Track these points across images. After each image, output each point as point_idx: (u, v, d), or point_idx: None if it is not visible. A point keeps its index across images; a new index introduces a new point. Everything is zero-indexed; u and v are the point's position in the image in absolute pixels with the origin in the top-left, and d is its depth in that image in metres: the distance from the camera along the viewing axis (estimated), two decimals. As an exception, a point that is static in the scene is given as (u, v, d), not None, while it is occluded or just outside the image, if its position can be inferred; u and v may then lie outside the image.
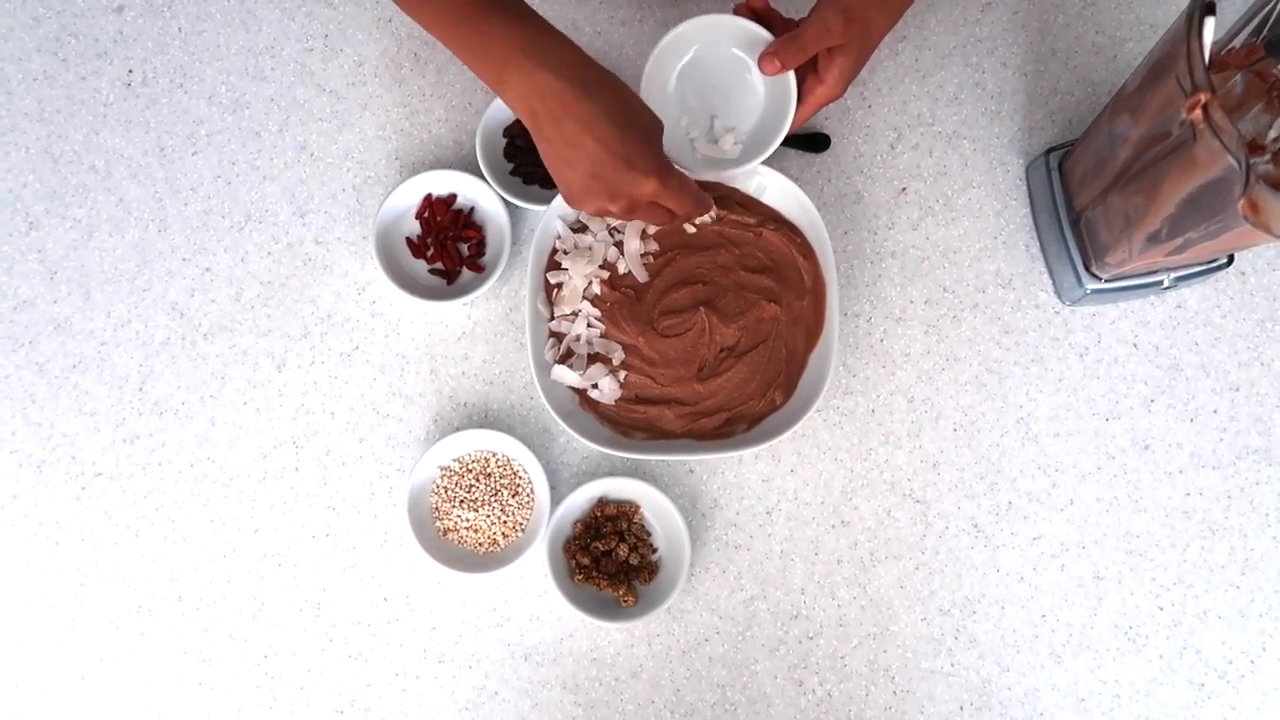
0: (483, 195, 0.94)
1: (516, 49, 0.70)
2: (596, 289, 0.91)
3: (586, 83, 0.70)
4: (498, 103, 0.94)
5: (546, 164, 0.73)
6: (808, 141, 0.98)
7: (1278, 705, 0.90)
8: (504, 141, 0.96)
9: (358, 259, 0.96)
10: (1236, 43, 0.76)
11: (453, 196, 0.95)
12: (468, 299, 0.92)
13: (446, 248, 0.94)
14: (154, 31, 1.00)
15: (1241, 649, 0.90)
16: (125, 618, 0.91)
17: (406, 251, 0.95)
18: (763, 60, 0.82)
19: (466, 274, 0.95)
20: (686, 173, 0.85)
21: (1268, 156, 0.78)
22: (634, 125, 0.71)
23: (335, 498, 0.92)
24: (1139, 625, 0.91)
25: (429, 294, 0.93)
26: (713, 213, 0.92)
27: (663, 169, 0.73)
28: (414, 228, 0.95)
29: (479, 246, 0.95)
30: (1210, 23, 0.66)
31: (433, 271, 0.95)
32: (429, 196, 0.94)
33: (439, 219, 0.94)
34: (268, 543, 0.92)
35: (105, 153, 0.98)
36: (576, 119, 0.69)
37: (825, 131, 0.98)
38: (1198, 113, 0.65)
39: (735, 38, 0.85)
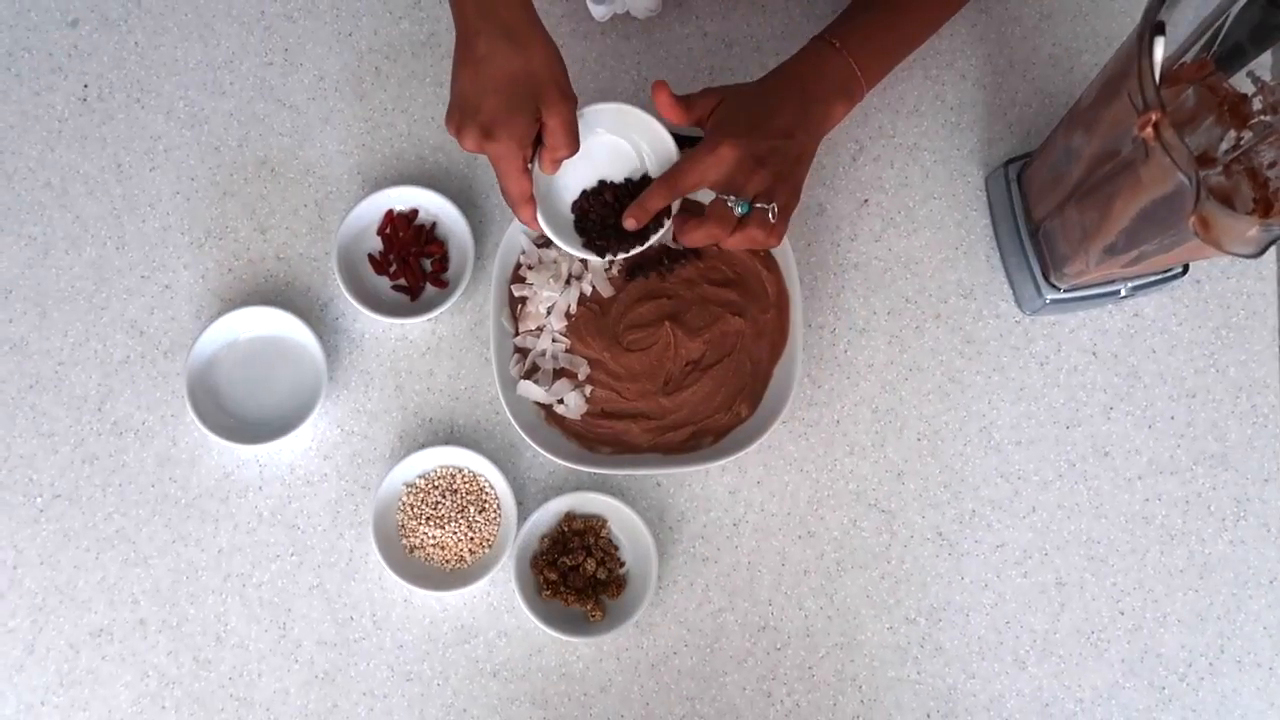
0: (445, 211, 0.93)
1: None
2: (573, 308, 0.91)
3: (533, 32, 0.74)
4: None
5: (454, 65, 0.75)
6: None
7: (1237, 707, 0.91)
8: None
9: (319, 275, 0.95)
10: (1188, 57, 0.78)
11: (414, 212, 0.94)
12: (432, 315, 0.92)
13: (409, 264, 0.93)
14: (110, 46, 0.99)
15: (1200, 651, 0.92)
16: (86, 641, 0.90)
17: (369, 268, 0.94)
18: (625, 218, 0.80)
19: (430, 290, 0.94)
20: (549, 231, 0.81)
21: (1219, 169, 0.79)
22: (544, 94, 0.75)
23: (299, 516, 0.92)
24: (1100, 630, 0.92)
25: (392, 310, 0.92)
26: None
27: (513, 141, 0.75)
28: (376, 244, 0.94)
29: (442, 262, 0.94)
30: (1160, 42, 0.67)
31: (396, 288, 0.94)
32: (391, 212, 0.94)
33: (401, 235, 0.94)
34: (231, 563, 0.91)
35: (61, 169, 0.97)
36: (508, 52, 0.73)
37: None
38: (1149, 131, 0.66)
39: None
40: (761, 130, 0.77)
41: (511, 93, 0.74)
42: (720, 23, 1.01)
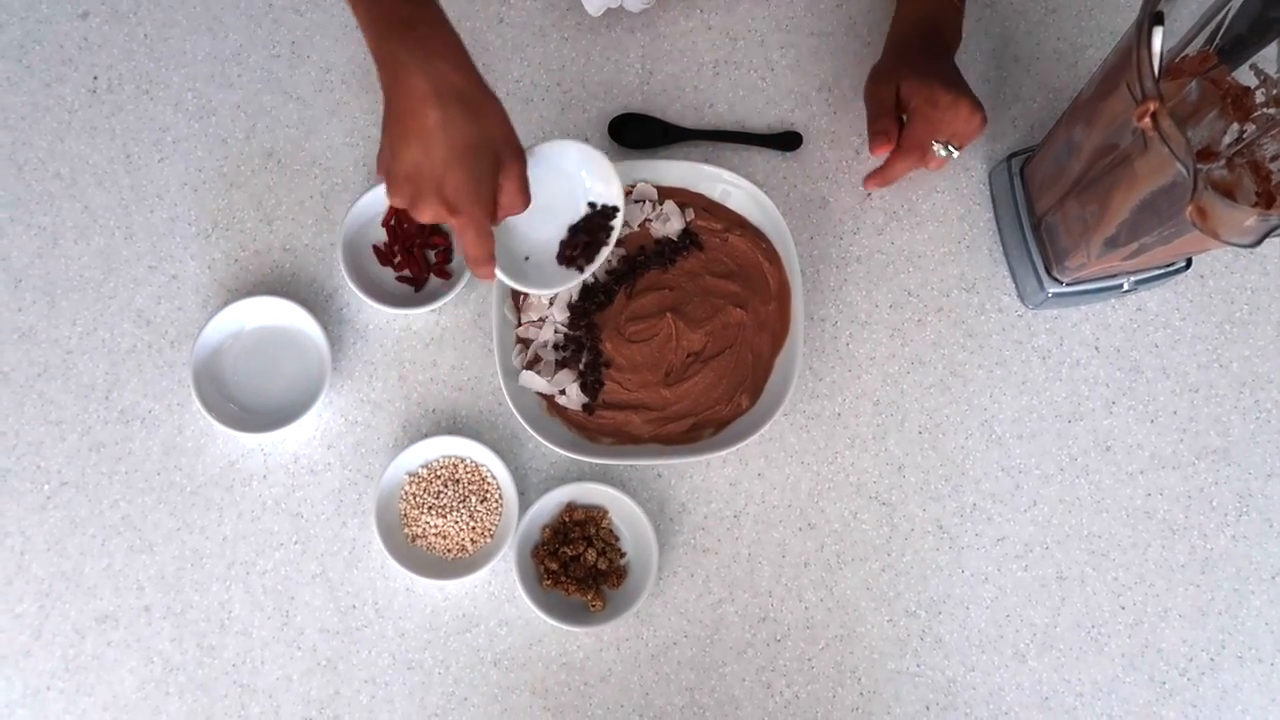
0: (449, 202, 0.94)
1: (426, 26, 0.69)
2: (574, 298, 0.91)
3: (485, 93, 0.71)
4: None
5: (394, 133, 0.70)
6: (779, 140, 0.98)
7: (1238, 702, 0.91)
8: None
9: (325, 266, 0.96)
10: (1190, 50, 0.78)
11: (420, 203, 0.95)
12: (435, 306, 0.92)
13: (413, 255, 0.94)
14: (119, 38, 1.00)
15: (1201, 646, 0.92)
16: (92, 627, 0.90)
17: (374, 259, 0.95)
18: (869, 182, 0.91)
19: (434, 281, 0.95)
20: (506, 280, 0.84)
21: (1222, 162, 0.79)
22: (501, 156, 0.72)
23: (303, 505, 0.92)
24: (1101, 624, 0.92)
25: (396, 301, 0.93)
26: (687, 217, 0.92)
27: (480, 210, 0.72)
28: (381, 235, 0.95)
29: (446, 253, 0.95)
30: (1159, 32, 0.67)
31: (400, 279, 0.95)
32: (396, 203, 0.94)
33: (406, 226, 0.94)
34: (236, 551, 0.92)
35: (70, 160, 0.98)
36: (465, 119, 0.69)
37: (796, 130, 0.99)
38: (1147, 121, 0.66)
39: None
40: (951, 82, 0.87)
41: (474, 163, 0.70)
42: (724, 16, 1.02)
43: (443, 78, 0.68)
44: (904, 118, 0.88)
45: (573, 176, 0.85)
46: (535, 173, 0.78)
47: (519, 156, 0.73)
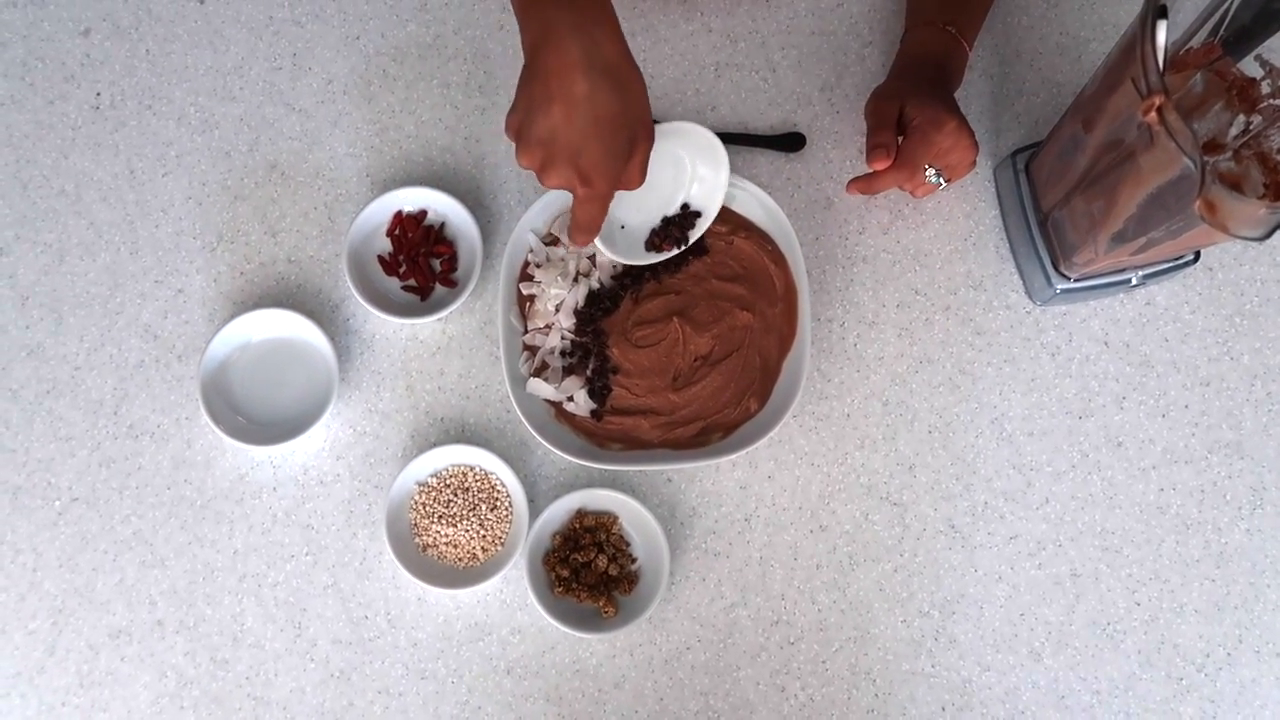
0: (453, 211, 0.94)
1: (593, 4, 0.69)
2: (580, 304, 0.91)
3: (633, 68, 0.70)
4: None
5: (535, 97, 0.69)
6: (782, 141, 0.98)
7: (1256, 696, 0.91)
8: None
9: (330, 277, 0.96)
10: (1195, 42, 0.77)
11: (423, 213, 0.95)
12: (441, 315, 0.92)
13: (419, 264, 0.94)
14: (121, 54, 1.00)
15: (1218, 642, 0.91)
16: (105, 642, 0.91)
17: (379, 269, 0.95)
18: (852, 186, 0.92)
19: (440, 290, 0.95)
20: (603, 251, 0.86)
21: (1229, 154, 0.79)
22: (636, 135, 0.72)
23: (313, 516, 0.92)
24: (1116, 621, 0.91)
25: (402, 311, 0.93)
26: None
27: (610, 184, 0.73)
28: (386, 245, 0.95)
29: (451, 262, 0.95)
30: (1163, 25, 0.66)
31: (405, 288, 0.95)
32: (400, 213, 0.95)
33: (410, 236, 0.94)
34: (247, 564, 0.92)
35: (75, 176, 0.98)
36: (612, 92, 0.68)
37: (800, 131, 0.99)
38: (1153, 115, 0.66)
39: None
40: (956, 112, 0.88)
41: (614, 138, 0.70)
42: (724, 18, 1.01)
43: (596, 47, 0.67)
44: (899, 139, 0.88)
45: (681, 162, 0.87)
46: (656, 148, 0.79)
47: (650, 138, 0.73)
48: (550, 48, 0.67)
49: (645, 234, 0.89)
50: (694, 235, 0.89)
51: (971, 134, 0.86)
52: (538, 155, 0.70)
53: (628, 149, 0.71)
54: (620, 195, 0.78)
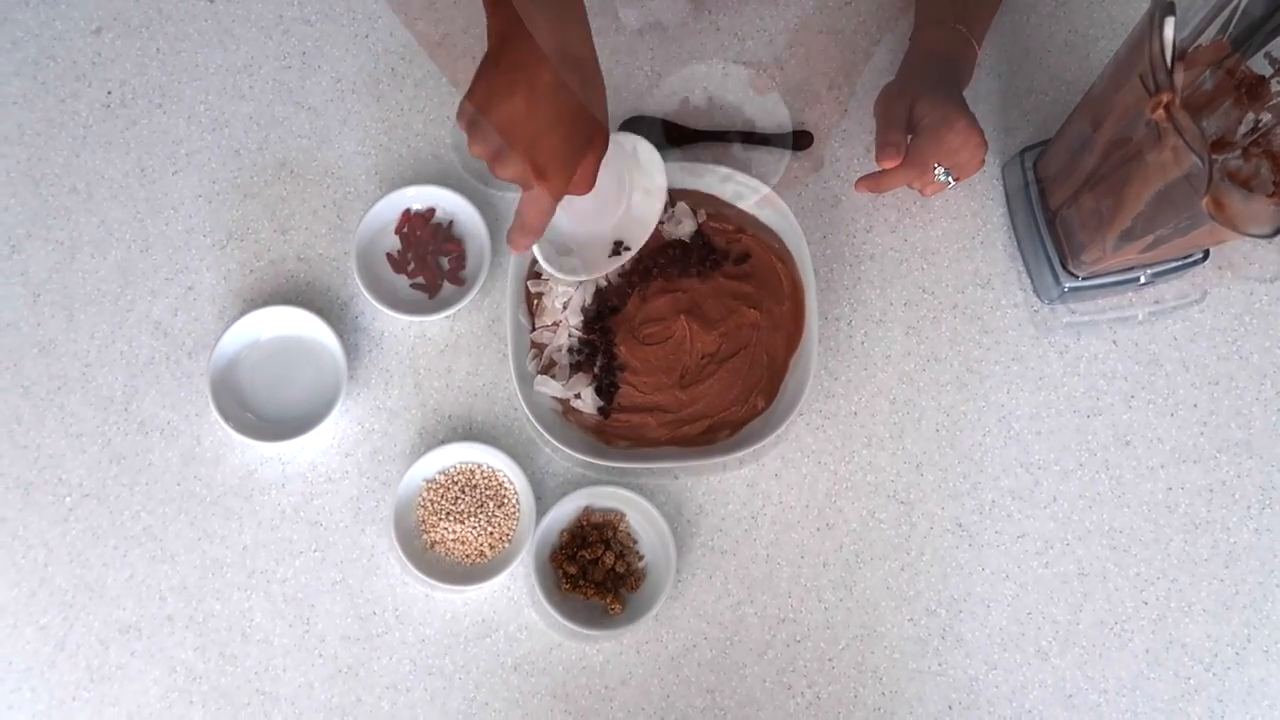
0: (462, 209, 0.94)
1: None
2: (588, 302, 0.91)
3: (599, 74, 0.71)
4: None
5: (497, 83, 0.69)
6: (790, 139, 0.98)
7: (1265, 696, 0.90)
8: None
9: (339, 275, 0.97)
10: (1204, 40, 0.77)
11: (432, 211, 0.95)
12: (449, 312, 0.92)
13: (427, 262, 0.94)
14: (132, 52, 1.01)
15: (1226, 641, 0.91)
16: (115, 637, 0.91)
17: (388, 267, 0.95)
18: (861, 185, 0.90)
19: (448, 287, 0.95)
20: (550, 271, 0.87)
21: (1238, 152, 0.78)
22: (593, 137, 0.72)
23: (321, 513, 0.93)
24: (1124, 620, 0.91)
25: (411, 309, 0.93)
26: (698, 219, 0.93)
27: (563, 181, 0.72)
28: (394, 243, 0.95)
29: (459, 260, 0.95)
30: (1170, 23, 0.66)
31: (414, 286, 0.95)
32: (408, 211, 0.95)
33: (418, 234, 0.95)
34: (255, 560, 0.92)
35: (86, 174, 0.99)
36: (577, 88, 0.68)
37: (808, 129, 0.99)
38: (1161, 113, 0.66)
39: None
40: (965, 111, 0.86)
41: (572, 133, 0.70)
42: (733, 17, 1.01)
43: (569, 44, 0.69)
44: (909, 137, 0.88)
45: (622, 177, 0.87)
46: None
47: (604, 144, 0.73)
48: (521, 38, 0.68)
49: (599, 250, 0.89)
50: (622, 258, 0.89)
51: (981, 133, 0.86)
52: (493, 143, 0.70)
53: (583, 148, 0.71)
54: (567, 207, 0.78)
